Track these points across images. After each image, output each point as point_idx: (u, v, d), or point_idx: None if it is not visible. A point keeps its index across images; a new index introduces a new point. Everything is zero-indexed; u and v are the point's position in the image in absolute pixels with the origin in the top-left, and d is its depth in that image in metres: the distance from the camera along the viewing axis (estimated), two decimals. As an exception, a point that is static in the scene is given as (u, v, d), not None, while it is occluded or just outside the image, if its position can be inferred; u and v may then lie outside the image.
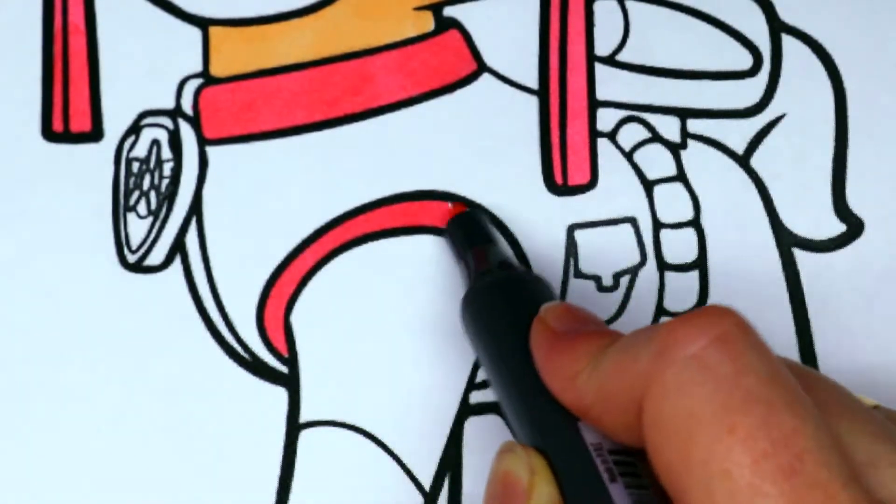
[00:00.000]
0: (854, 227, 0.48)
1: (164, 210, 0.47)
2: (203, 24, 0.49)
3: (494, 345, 0.41)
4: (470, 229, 0.46)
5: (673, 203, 0.48)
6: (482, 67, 0.49)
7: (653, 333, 0.35)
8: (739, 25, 0.49)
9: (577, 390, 0.37)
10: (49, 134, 0.48)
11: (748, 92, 0.49)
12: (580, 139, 0.48)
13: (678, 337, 0.34)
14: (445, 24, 0.49)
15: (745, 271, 0.47)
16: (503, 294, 0.42)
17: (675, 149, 0.48)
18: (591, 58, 0.49)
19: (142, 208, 0.47)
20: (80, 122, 0.48)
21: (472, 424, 0.46)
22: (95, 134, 0.48)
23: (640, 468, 0.36)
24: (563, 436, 0.38)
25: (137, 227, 0.47)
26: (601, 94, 0.48)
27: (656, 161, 0.48)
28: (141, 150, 0.48)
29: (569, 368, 0.38)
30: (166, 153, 0.48)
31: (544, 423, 0.38)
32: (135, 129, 0.48)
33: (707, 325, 0.34)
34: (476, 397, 0.46)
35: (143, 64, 0.49)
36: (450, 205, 0.47)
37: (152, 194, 0.48)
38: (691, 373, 0.34)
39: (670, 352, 0.34)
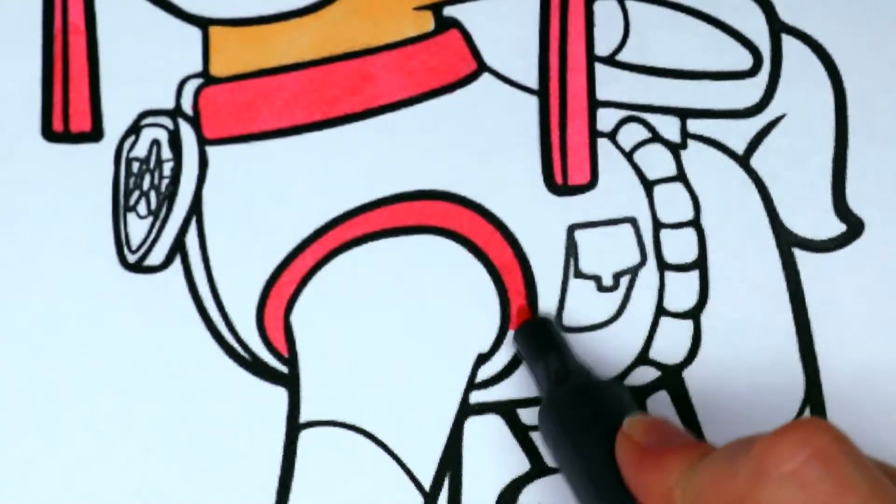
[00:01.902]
0: (854, 227, 0.48)
1: (164, 210, 0.47)
2: (203, 24, 0.49)
3: (579, 457, 0.41)
4: (541, 336, 0.46)
5: (673, 203, 0.48)
6: (482, 67, 0.49)
7: (748, 449, 0.35)
8: (739, 25, 0.49)
9: None
10: (49, 134, 0.48)
11: (748, 92, 0.49)
12: (580, 139, 0.48)
13: (775, 453, 0.34)
14: (445, 24, 0.49)
15: (745, 271, 0.47)
16: (583, 405, 0.42)
17: (675, 149, 0.48)
18: (591, 58, 0.49)
19: (142, 208, 0.47)
20: (80, 122, 0.48)
21: (472, 424, 0.46)
22: (95, 134, 0.48)
23: None
24: None
25: (137, 227, 0.47)
26: (601, 95, 0.48)
27: (656, 161, 0.48)
28: (141, 150, 0.48)
29: (661, 484, 0.38)
30: (166, 153, 0.48)
31: None
32: (135, 129, 0.48)
33: (803, 439, 0.34)
34: (476, 397, 0.46)
35: (143, 64, 0.49)
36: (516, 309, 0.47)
37: (152, 194, 0.48)
38: (791, 491, 0.34)
39: (767, 469, 0.34)
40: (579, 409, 0.42)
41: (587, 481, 0.41)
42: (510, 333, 0.46)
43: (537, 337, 0.46)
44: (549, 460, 0.45)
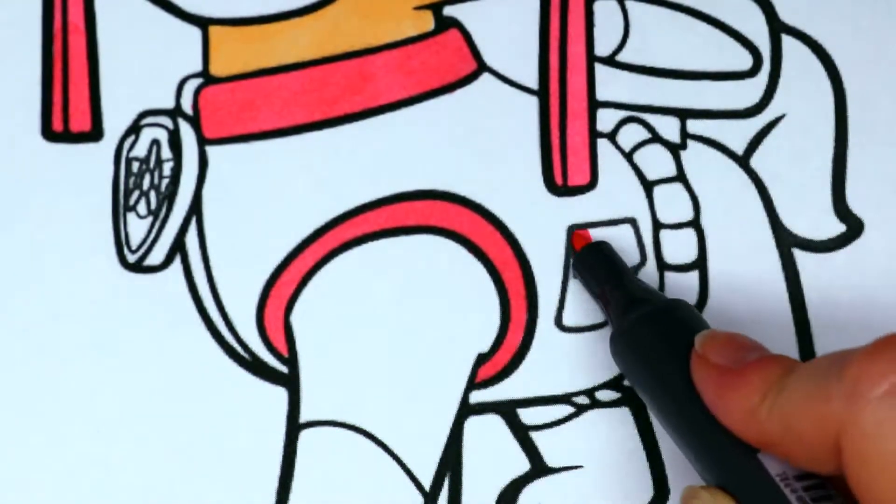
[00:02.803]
0: (854, 227, 0.48)
1: (164, 210, 0.47)
2: (203, 23, 0.49)
3: (655, 384, 0.41)
4: (602, 262, 0.46)
5: (673, 203, 0.48)
6: (482, 67, 0.49)
7: (840, 370, 0.35)
8: (739, 26, 0.49)
9: (759, 425, 0.37)
10: (49, 134, 0.48)
11: (748, 92, 0.49)
12: (580, 140, 0.48)
13: (868, 374, 0.34)
14: (445, 24, 0.49)
15: (745, 271, 0.47)
16: (655, 328, 0.42)
17: (675, 149, 0.48)
18: (591, 58, 0.49)
19: (142, 208, 0.47)
20: (80, 122, 0.48)
21: (472, 424, 0.46)
22: (95, 134, 0.48)
23: (831, 490, 0.36)
24: (746, 470, 0.38)
25: (137, 227, 0.47)
26: (601, 95, 0.48)
27: (656, 161, 0.48)
28: (141, 150, 0.48)
29: (744, 402, 0.38)
30: (166, 153, 0.48)
31: (724, 459, 0.39)
32: (135, 129, 0.48)
33: (895, 358, 0.34)
34: (476, 397, 0.46)
35: (143, 64, 0.49)
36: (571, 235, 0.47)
37: (152, 194, 0.48)
38: (889, 411, 0.34)
39: (863, 390, 0.34)
40: (651, 334, 0.42)
41: (669, 409, 0.41)
42: (570, 262, 0.46)
43: (599, 263, 0.46)
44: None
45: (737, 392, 0.38)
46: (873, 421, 0.34)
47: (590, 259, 0.46)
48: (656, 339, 0.42)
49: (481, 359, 0.47)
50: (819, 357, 0.37)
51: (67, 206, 0.47)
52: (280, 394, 0.46)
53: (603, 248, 0.46)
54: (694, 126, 0.48)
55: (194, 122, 0.48)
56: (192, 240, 0.47)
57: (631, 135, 0.48)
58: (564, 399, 0.46)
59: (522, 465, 0.46)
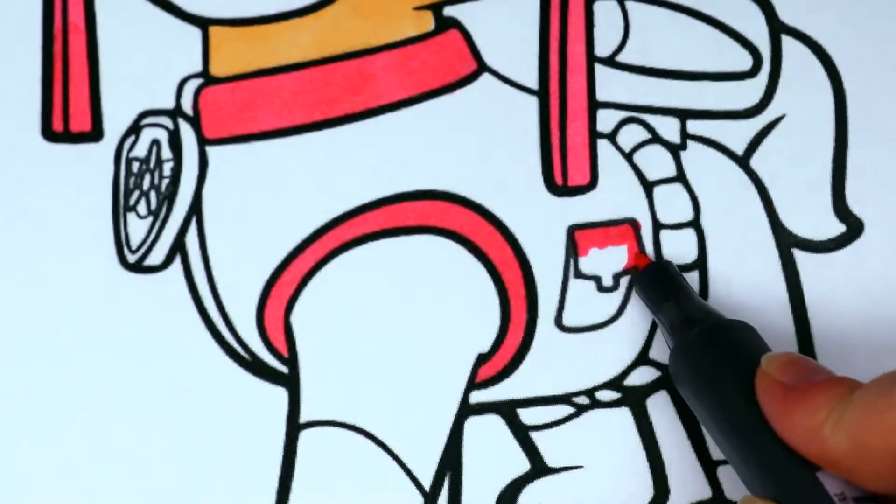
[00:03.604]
0: (854, 228, 0.48)
1: (164, 210, 0.47)
2: (203, 24, 0.49)
3: (716, 400, 0.42)
4: (663, 280, 0.46)
5: (673, 204, 0.48)
6: (482, 67, 0.49)
7: None
8: (739, 26, 0.49)
9: (824, 442, 0.37)
10: (49, 134, 0.48)
11: (748, 93, 0.49)
12: (580, 140, 0.48)
13: None
14: (445, 24, 0.49)
15: (745, 271, 0.47)
16: (716, 345, 0.43)
17: (675, 150, 0.48)
18: (592, 58, 0.49)
19: (142, 208, 0.47)
20: (80, 122, 0.48)
21: (472, 424, 0.46)
22: (95, 134, 0.48)
23: None
24: (805, 487, 0.38)
25: (137, 227, 0.47)
26: (601, 95, 0.48)
27: (656, 162, 0.48)
28: (141, 150, 0.48)
29: (809, 420, 0.38)
30: (166, 153, 0.48)
31: (783, 475, 0.39)
32: (135, 129, 0.48)
33: None
34: (476, 397, 0.46)
35: (143, 64, 0.49)
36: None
37: (152, 194, 0.48)
38: None
39: None
40: (712, 351, 0.42)
41: (728, 424, 0.41)
42: (629, 279, 0.47)
43: (660, 281, 0.46)
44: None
45: (802, 409, 0.38)
46: None
47: (652, 276, 0.46)
48: (719, 355, 0.42)
49: (481, 359, 0.47)
50: (883, 374, 0.37)
51: (67, 206, 0.47)
52: (280, 394, 0.46)
53: (666, 267, 0.46)
54: (694, 126, 0.48)
55: (194, 122, 0.48)
56: (192, 240, 0.47)
57: (631, 135, 0.48)
58: (564, 399, 0.46)
59: (522, 465, 0.46)
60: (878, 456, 0.36)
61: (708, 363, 0.42)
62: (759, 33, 0.49)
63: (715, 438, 0.42)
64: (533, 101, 0.48)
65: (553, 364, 0.47)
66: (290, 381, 0.46)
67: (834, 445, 0.37)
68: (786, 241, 0.48)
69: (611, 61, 0.49)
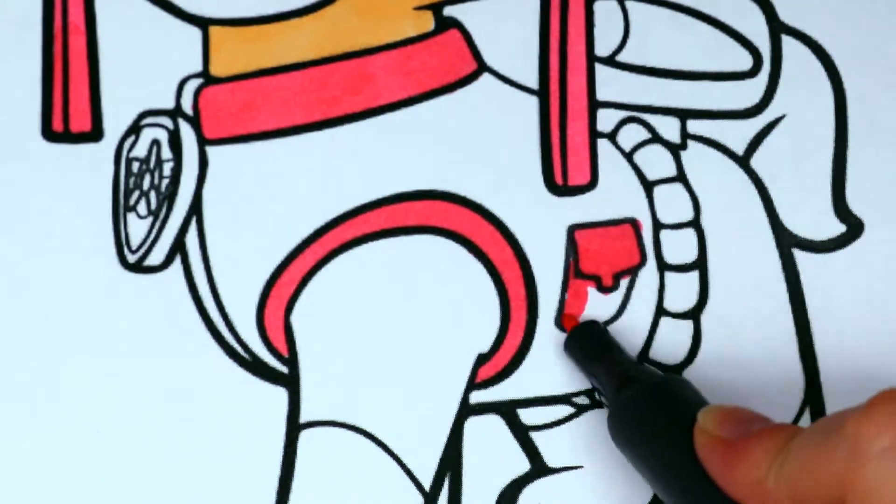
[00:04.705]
0: (854, 228, 0.48)
1: (164, 210, 0.47)
2: (203, 24, 0.49)
3: (658, 459, 0.41)
4: (592, 341, 0.46)
5: (673, 203, 0.48)
6: (482, 67, 0.49)
7: (840, 428, 0.35)
8: (739, 26, 0.49)
9: (767, 495, 0.37)
10: (49, 134, 0.48)
11: (748, 93, 0.49)
12: (580, 140, 0.48)
13: (867, 429, 0.34)
14: (445, 24, 0.49)
15: (745, 271, 0.47)
16: (653, 404, 0.42)
17: (675, 149, 0.48)
18: (592, 58, 0.49)
19: (142, 208, 0.47)
20: (80, 122, 0.48)
21: (472, 424, 0.46)
22: (95, 134, 0.48)
23: None
24: None
25: (137, 227, 0.47)
26: (601, 95, 0.48)
27: (656, 162, 0.48)
28: (141, 150, 0.48)
29: (751, 474, 0.37)
30: (166, 153, 0.48)
31: None
32: (135, 129, 0.48)
33: (893, 412, 0.34)
34: (476, 397, 0.46)
35: (143, 64, 0.49)
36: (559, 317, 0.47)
37: (152, 194, 0.48)
38: (890, 465, 0.34)
39: (863, 446, 0.34)
40: (649, 410, 0.42)
41: (671, 483, 0.41)
42: (562, 342, 0.46)
43: (589, 342, 0.46)
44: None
45: (743, 463, 0.38)
46: (875, 477, 0.34)
47: (581, 339, 0.46)
48: (656, 414, 0.42)
49: (481, 359, 0.47)
50: (820, 419, 0.37)
51: (67, 206, 0.47)
52: (280, 394, 0.46)
53: (593, 328, 0.46)
54: (694, 126, 0.48)
55: (194, 122, 0.48)
56: (192, 240, 0.47)
57: (631, 135, 0.48)
58: (564, 399, 0.46)
59: (522, 465, 0.46)
60: None
61: (646, 423, 0.42)
62: (759, 33, 0.49)
63: (660, 496, 0.42)
64: (533, 101, 0.48)
65: (553, 364, 0.47)
66: (290, 381, 0.46)
67: (777, 496, 0.37)
68: (786, 241, 0.48)
69: (611, 61, 0.49)
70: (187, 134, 0.48)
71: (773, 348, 0.45)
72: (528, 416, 0.46)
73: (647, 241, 0.47)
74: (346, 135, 0.48)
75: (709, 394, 0.46)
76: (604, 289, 0.47)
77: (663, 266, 0.47)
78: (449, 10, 0.49)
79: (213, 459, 0.46)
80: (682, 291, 0.47)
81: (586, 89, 0.48)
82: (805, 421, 0.46)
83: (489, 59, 0.49)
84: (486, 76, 0.48)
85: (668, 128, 0.48)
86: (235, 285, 0.47)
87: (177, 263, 0.47)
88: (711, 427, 0.40)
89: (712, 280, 0.47)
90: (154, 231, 0.47)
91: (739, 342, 0.46)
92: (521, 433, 0.46)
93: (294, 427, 0.46)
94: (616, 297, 0.47)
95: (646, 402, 0.42)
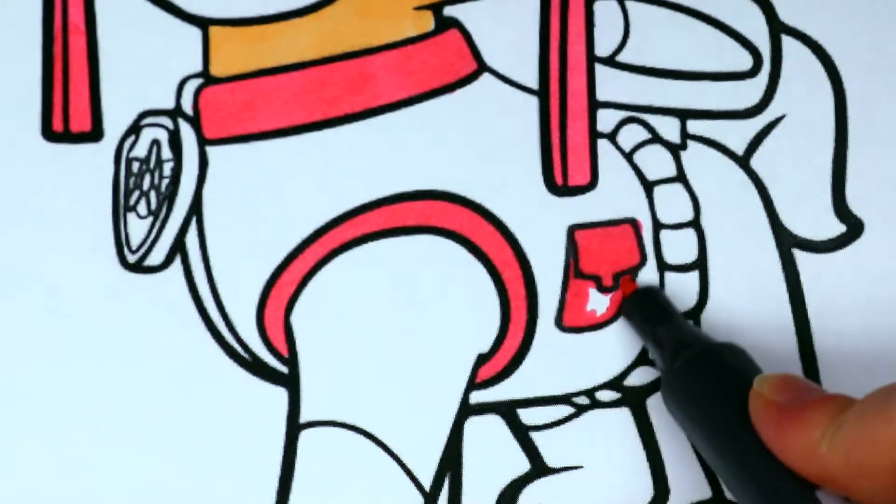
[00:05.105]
0: (854, 228, 0.48)
1: (164, 210, 0.47)
2: (203, 24, 0.49)
3: (711, 422, 0.42)
4: (652, 305, 0.46)
5: (673, 204, 0.48)
6: (482, 67, 0.49)
7: None
8: (739, 26, 0.49)
9: (821, 460, 0.37)
10: (49, 134, 0.48)
11: (748, 93, 0.49)
12: (580, 140, 0.48)
13: None
14: (445, 24, 0.49)
15: (745, 271, 0.47)
16: (708, 369, 0.43)
17: (675, 150, 0.48)
18: (592, 58, 0.49)
19: (142, 208, 0.47)
20: (80, 122, 0.48)
21: (472, 424, 0.46)
22: (95, 134, 0.48)
23: None
24: None
25: (137, 227, 0.47)
26: (601, 95, 0.48)
27: (656, 162, 0.48)
28: (141, 150, 0.48)
29: (805, 439, 0.38)
30: (166, 153, 0.48)
31: (782, 496, 0.39)
32: (135, 129, 0.48)
33: None
34: (476, 397, 0.46)
35: (143, 64, 0.49)
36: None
37: (152, 194, 0.48)
38: None
39: None
40: (704, 375, 0.42)
41: (723, 447, 0.41)
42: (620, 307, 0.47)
43: (648, 307, 0.46)
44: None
45: (797, 428, 0.38)
46: None
47: (639, 303, 0.46)
48: (711, 379, 0.42)
49: (481, 359, 0.47)
50: (878, 389, 0.37)
51: (67, 206, 0.47)
52: (280, 394, 0.46)
53: (652, 293, 0.47)
54: (694, 126, 0.48)
55: (194, 122, 0.48)
56: (192, 240, 0.47)
57: (631, 135, 0.48)
58: (564, 399, 0.46)
59: (522, 465, 0.46)
60: (875, 472, 0.36)
61: (700, 387, 0.42)
62: (759, 33, 0.49)
63: (711, 462, 0.42)
64: (533, 101, 0.48)
65: (553, 364, 0.47)
66: (290, 381, 0.46)
67: (831, 463, 0.37)
68: (786, 242, 0.48)
69: (611, 61, 0.49)
70: (187, 134, 0.48)
71: (772, 348, 0.45)
72: (528, 416, 0.46)
73: (647, 241, 0.47)
74: (346, 135, 0.48)
75: (709, 394, 0.46)
76: (604, 289, 0.47)
77: (663, 266, 0.47)
78: (449, 10, 0.49)
79: (213, 459, 0.46)
80: (682, 291, 0.47)
81: (586, 89, 0.48)
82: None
83: (489, 59, 0.49)
84: (486, 76, 0.48)
85: (668, 128, 0.48)
86: (235, 285, 0.47)
87: (177, 263, 0.47)
88: (767, 392, 0.40)
89: (712, 280, 0.47)
90: (154, 231, 0.47)
91: (739, 342, 0.46)
92: (521, 433, 0.46)
93: (294, 427, 0.46)
94: (616, 297, 0.47)
95: (701, 366, 0.43)
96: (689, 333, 0.45)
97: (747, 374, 0.42)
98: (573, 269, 0.47)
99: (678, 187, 0.48)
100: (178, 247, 0.47)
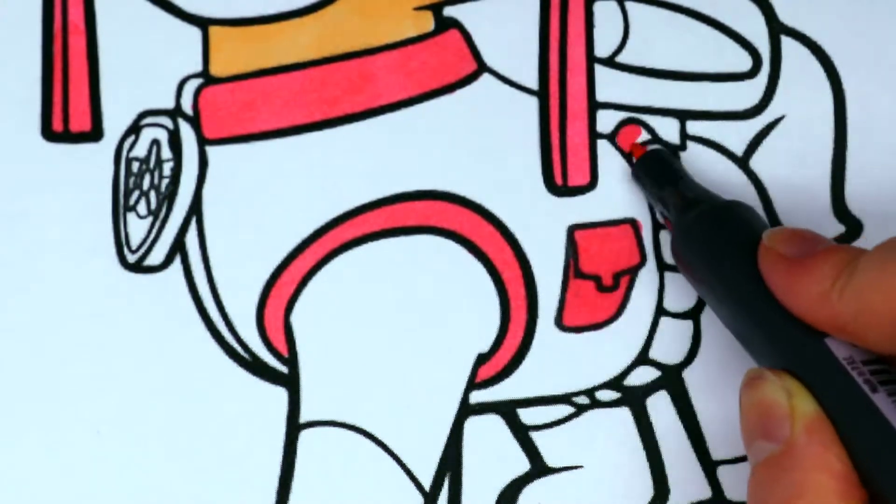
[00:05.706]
0: (853, 228, 0.48)
1: (164, 210, 0.47)
2: (203, 24, 0.49)
3: (720, 276, 0.42)
4: (661, 166, 0.46)
5: (672, 204, 0.48)
6: (482, 67, 0.49)
7: None
8: (739, 27, 0.49)
9: (831, 307, 0.37)
10: (49, 134, 0.48)
11: (747, 94, 0.49)
12: (580, 140, 0.48)
13: None
14: (445, 24, 0.49)
15: (745, 271, 0.47)
16: (717, 225, 0.43)
17: (675, 150, 0.48)
18: (591, 59, 0.49)
19: (142, 208, 0.47)
20: (80, 122, 0.48)
21: (472, 424, 0.46)
22: (95, 134, 0.48)
23: None
24: (813, 354, 0.38)
25: (137, 227, 0.47)
26: (601, 96, 0.49)
27: (656, 162, 0.48)
28: (141, 150, 0.48)
29: (816, 287, 0.38)
30: (166, 153, 0.48)
31: (791, 344, 0.39)
32: (135, 129, 0.48)
33: None
34: (476, 397, 0.46)
35: (143, 64, 0.49)
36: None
37: (152, 194, 0.48)
38: None
39: None
40: (713, 230, 0.43)
41: (733, 300, 0.41)
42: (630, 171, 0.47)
43: (657, 168, 0.46)
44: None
45: (808, 278, 0.38)
46: None
47: (648, 165, 0.47)
48: (720, 234, 0.42)
49: (481, 359, 0.47)
50: (889, 239, 0.38)
51: (67, 206, 0.47)
52: (280, 394, 0.46)
53: (661, 154, 0.47)
54: (694, 127, 0.48)
55: (194, 122, 0.48)
56: (192, 240, 0.47)
57: (631, 136, 0.48)
58: (564, 399, 0.46)
59: (522, 465, 0.46)
60: (885, 319, 0.36)
61: (709, 242, 0.43)
62: (758, 34, 0.49)
63: (720, 316, 0.43)
64: (533, 102, 0.48)
65: (553, 364, 0.47)
66: (290, 381, 0.46)
67: (841, 311, 0.37)
68: (785, 242, 0.48)
69: (611, 62, 0.49)
70: (187, 134, 0.48)
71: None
72: (528, 416, 0.46)
73: (647, 241, 0.47)
74: (346, 135, 0.48)
75: (708, 394, 0.46)
76: (604, 289, 0.47)
77: (663, 266, 0.47)
78: (449, 11, 0.49)
79: (212, 459, 0.46)
80: (682, 291, 0.47)
81: (586, 90, 0.48)
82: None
83: (489, 59, 0.49)
84: (486, 76, 0.48)
85: (668, 128, 0.48)
86: (235, 285, 0.47)
87: (177, 263, 0.47)
88: (777, 245, 0.40)
89: (712, 280, 0.47)
90: (154, 231, 0.47)
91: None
92: (521, 433, 0.46)
93: (294, 427, 0.46)
94: (616, 297, 0.47)
95: (710, 222, 0.43)
96: (698, 192, 0.45)
97: (756, 230, 0.42)
98: (573, 269, 0.47)
99: (678, 188, 0.48)
100: (178, 247, 0.47)
